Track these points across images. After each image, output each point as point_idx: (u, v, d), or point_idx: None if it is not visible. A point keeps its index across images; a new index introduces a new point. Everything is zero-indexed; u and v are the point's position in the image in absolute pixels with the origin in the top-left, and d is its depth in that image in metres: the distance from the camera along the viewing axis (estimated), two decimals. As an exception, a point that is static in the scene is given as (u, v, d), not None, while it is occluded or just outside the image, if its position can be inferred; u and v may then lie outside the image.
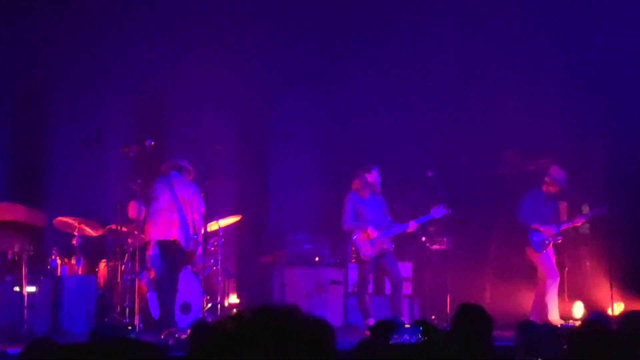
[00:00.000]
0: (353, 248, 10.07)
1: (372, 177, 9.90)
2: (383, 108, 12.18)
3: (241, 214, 10.76)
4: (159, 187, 9.19)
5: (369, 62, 12.13)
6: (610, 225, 10.28)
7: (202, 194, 9.36)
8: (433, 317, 10.02)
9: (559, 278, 10.18)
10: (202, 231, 9.48)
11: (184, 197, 9.07)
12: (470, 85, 11.86)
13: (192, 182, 9.31)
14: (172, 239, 9.06)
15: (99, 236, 9.81)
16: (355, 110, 12.08)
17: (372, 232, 9.68)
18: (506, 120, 11.79)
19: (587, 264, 11.08)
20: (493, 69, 11.68)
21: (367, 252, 9.74)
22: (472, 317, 4.58)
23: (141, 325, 8.76)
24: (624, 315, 4.15)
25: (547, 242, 10.09)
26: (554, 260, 10.17)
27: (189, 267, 9.72)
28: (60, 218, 9.60)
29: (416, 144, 11.94)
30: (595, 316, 6.34)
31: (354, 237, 9.82)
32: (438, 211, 10.00)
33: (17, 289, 8.81)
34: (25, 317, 8.49)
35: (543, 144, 11.70)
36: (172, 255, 9.08)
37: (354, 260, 10.29)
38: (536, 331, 5.90)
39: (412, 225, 9.98)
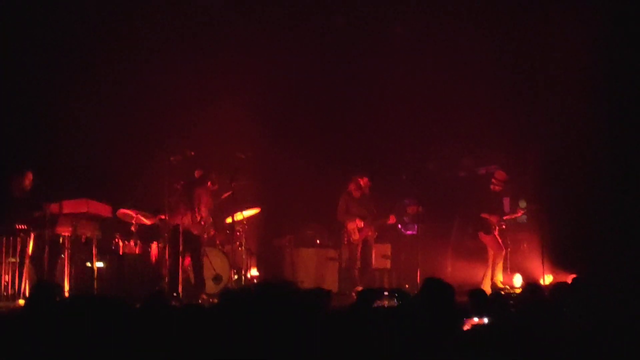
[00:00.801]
0: (345, 234, 10.07)
1: (364, 182, 9.99)
2: (368, 128, 12.13)
3: (260, 207, 10.70)
4: (184, 186, 9.21)
5: (359, 95, 12.09)
6: (542, 215, 10.29)
7: (229, 192, 9.35)
8: (407, 286, 9.98)
9: (504, 252, 10.16)
10: (218, 221, 9.54)
11: (198, 194, 9.07)
12: (434, 109, 11.76)
13: (207, 185, 9.26)
14: (181, 224, 9.04)
15: (152, 224, 9.74)
16: (349, 131, 12.08)
17: (360, 222, 9.77)
18: (463, 135, 11.79)
19: (525, 245, 11.00)
20: (453, 95, 11.65)
21: (356, 237, 9.76)
22: (437, 286, 4.54)
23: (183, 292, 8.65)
24: (554, 286, 4.09)
25: (493, 227, 10.07)
26: (500, 241, 10.13)
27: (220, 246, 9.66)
28: (122, 210, 9.55)
29: (393, 155, 11.94)
30: (532, 286, 6.35)
31: (348, 225, 9.80)
32: (410, 206, 10.14)
33: (88, 264, 8.78)
34: (95, 286, 8.43)
35: (492, 153, 11.71)
36: (186, 237, 9.02)
37: (346, 242, 10.28)
38: (484, 297, 5.87)
39: (392, 219, 10.04)
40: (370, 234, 9.92)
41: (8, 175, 8.52)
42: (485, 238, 10.16)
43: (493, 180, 10.26)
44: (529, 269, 10.31)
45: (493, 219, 10.05)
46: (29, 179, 8.46)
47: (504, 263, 10.25)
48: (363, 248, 9.93)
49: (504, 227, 10.27)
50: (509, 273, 10.47)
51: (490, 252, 10.12)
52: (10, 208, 8.19)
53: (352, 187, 10.04)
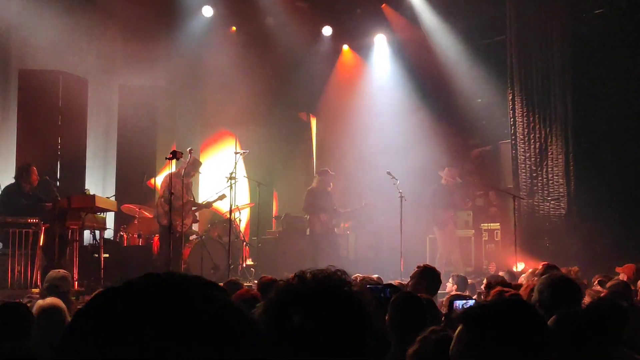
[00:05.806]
0: (309, 226, 10.22)
1: (328, 178, 10.20)
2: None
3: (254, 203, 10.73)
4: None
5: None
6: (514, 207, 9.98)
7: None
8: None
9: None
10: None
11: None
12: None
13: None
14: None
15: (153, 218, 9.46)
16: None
17: (323, 216, 9.95)
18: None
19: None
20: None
21: (318, 229, 9.98)
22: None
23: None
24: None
25: (445, 221, 10.13)
26: (450, 235, 10.18)
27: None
28: (126, 205, 9.59)
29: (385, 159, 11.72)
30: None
31: (310, 219, 10.09)
32: (368, 205, 10.48)
33: (96, 255, 8.69)
34: (101, 276, 8.35)
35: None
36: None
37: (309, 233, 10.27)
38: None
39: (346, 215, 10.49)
40: (331, 227, 10.06)
41: (17, 170, 8.46)
42: (438, 233, 10.22)
43: (443, 177, 10.30)
44: (503, 258, 10.08)
45: (445, 212, 10.06)
46: (35, 173, 8.36)
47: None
48: (325, 240, 9.91)
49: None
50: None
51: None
52: (22, 202, 8.13)
53: (317, 182, 10.23)
